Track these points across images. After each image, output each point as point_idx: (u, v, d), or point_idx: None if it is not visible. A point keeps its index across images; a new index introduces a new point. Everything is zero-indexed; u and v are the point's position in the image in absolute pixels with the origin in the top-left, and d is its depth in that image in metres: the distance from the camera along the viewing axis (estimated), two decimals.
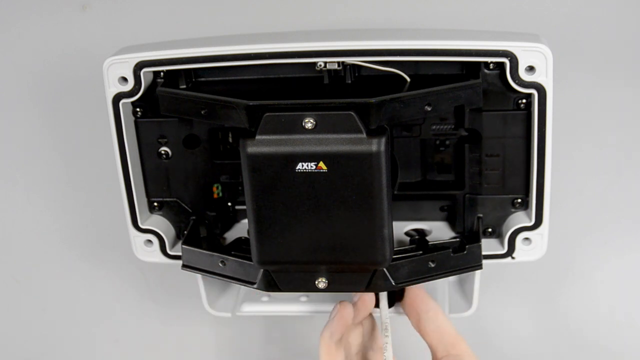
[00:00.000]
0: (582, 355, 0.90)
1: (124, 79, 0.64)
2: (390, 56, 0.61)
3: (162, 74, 0.65)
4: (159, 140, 0.68)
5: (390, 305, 0.71)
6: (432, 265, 0.64)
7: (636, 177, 0.82)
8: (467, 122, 0.66)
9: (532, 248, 0.67)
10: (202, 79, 0.67)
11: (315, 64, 0.62)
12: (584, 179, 0.82)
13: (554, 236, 0.69)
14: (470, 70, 0.63)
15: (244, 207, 0.70)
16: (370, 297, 0.68)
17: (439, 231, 0.72)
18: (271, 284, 0.64)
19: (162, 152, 0.69)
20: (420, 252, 0.65)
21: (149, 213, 0.71)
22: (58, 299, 0.95)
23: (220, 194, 0.72)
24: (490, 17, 0.77)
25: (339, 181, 0.58)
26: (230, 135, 0.70)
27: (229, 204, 0.73)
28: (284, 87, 0.65)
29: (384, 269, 0.63)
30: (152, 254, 0.71)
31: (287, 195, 0.59)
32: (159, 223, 0.71)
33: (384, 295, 0.69)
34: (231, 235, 0.73)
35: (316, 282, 0.64)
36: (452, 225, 0.72)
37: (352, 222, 0.59)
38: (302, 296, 0.75)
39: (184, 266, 0.69)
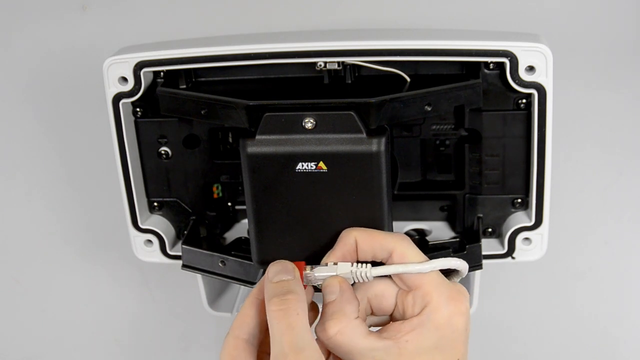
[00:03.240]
0: (581, 355, 0.90)
1: (124, 79, 0.64)
2: (390, 56, 0.61)
3: (162, 74, 0.65)
4: (159, 140, 0.68)
5: None
6: None
7: (636, 177, 0.82)
8: (467, 122, 0.66)
9: (532, 248, 0.67)
10: (202, 79, 0.67)
11: (315, 64, 0.62)
12: (584, 179, 0.82)
13: (554, 236, 0.68)
14: (470, 70, 0.63)
15: (244, 207, 0.70)
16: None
17: (439, 231, 0.72)
18: None
19: (162, 152, 0.69)
20: None
21: (149, 213, 0.71)
22: (58, 299, 0.95)
23: (220, 194, 0.72)
24: (490, 17, 0.77)
25: (339, 181, 0.58)
26: (230, 135, 0.70)
27: (229, 204, 0.73)
28: (284, 87, 0.65)
29: None
30: (152, 254, 0.71)
31: (287, 195, 0.58)
32: (159, 223, 0.71)
33: None
34: (231, 235, 0.73)
35: None
36: (452, 225, 0.72)
37: (352, 222, 0.59)
38: None
39: (184, 266, 0.69)
